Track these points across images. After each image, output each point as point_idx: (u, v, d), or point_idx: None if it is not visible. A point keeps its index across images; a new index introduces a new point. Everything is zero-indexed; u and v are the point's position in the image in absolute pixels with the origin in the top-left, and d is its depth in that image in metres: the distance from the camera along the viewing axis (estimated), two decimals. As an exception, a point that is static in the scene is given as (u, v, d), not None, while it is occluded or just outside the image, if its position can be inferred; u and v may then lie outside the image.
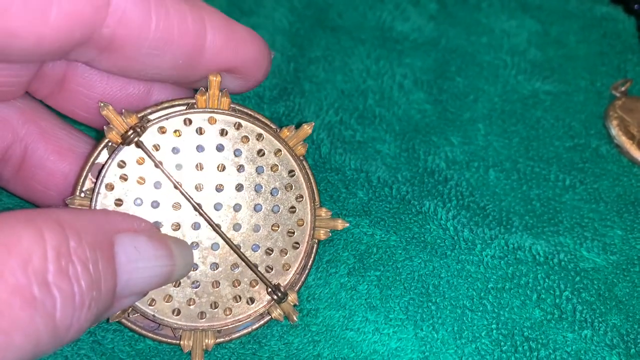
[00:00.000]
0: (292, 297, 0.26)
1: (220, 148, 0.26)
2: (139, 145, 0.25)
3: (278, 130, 0.26)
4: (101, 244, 0.20)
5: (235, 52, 0.24)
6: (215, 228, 0.25)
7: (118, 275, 0.21)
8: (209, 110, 0.26)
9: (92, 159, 0.25)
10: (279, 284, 0.26)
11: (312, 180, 0.27)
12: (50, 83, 0.25)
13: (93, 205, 0.25)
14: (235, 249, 0.25)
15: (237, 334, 0.26)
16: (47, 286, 0.18)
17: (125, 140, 0.24)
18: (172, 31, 0.22)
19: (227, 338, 0.26)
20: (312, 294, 0.28)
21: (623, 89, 0.36)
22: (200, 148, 0.25)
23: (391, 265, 0.28)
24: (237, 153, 0.26)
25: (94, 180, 0.25)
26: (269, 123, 0.26)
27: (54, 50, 0.21)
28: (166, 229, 0.25)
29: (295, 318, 0.26)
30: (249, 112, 0.26)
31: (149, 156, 0.25)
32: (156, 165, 0.25)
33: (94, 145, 0.26)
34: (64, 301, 0.18)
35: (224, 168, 0.26)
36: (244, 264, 0.26)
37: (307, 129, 0.26)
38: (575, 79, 0.37)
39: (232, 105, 0.26)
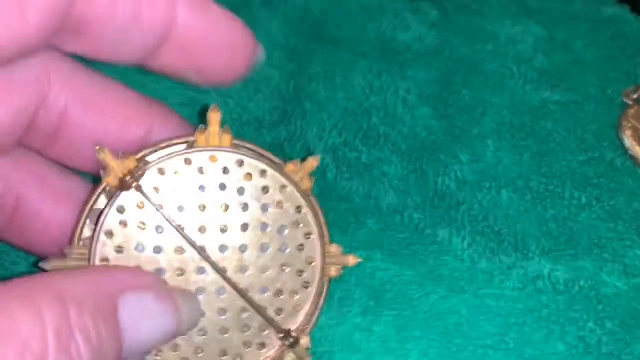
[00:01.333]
0: (304, 341, 0.25)
1: (223, 187, 0.24)
2: (139, 190, 0.23)
3: (283, 166, 0.25)
4: (104, 310, 0.19)
5: (208, 32, 0.23)
6: (221, 272, 0.24)
7: (123, 338, 0.20)
8: (210, 149, 0.24)
9: (89, 205, 0.24)
10: (289, 329, 0.25)
11: (320, 216, 0.26)
12: (45, 134, 0.24)
13: (93, 254, 0.23)
14: (243, 293, 0.24)
15: (249, 382, 0.25)
16: None
17: (124, 186, 0.23)
18: (140, 6, 0.21)
19: None
20: (325, 336, 0.27)
21: (635, 96, 0.35)
22: (202, 188, 0.24)
23: (407, 304, 0.27)
24: (240, 192, 0.25)
25: (93, 226, 0.24)
26: (272, 158, 0.25)
27: (37, 47, 0.20)
28: (169, 275, 0.24)
29: (308, 361, 0.25)
30: (252, 147, 0.25)
31: (149, 201, 0.23)
32: (157, 210, 0.24)
33: (91, 190, 0.25)
34: None
35: (227, 208, 0.24)
36: (252, 308, 0.24)
37: (313, 162, 0.25)
38: (584, 87, 0.36)
39: (234, 142, 0.25)
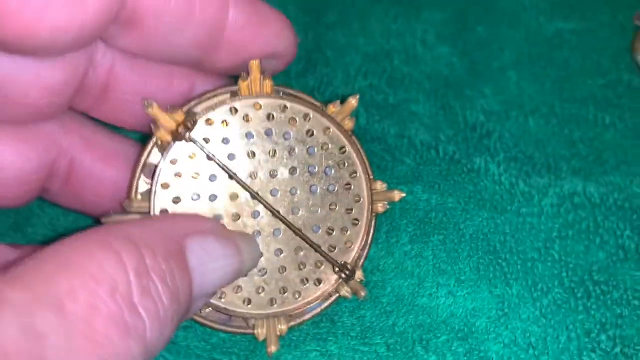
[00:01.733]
0: (358, 274, 0.26)
1: (269, 133, 0.25)
2: (191, 139, 0.24)
3: (324, 108, 0.26)
4: (174, 254, 0.20)
5: (257, 31, 0.24)
6: (276, 213, 0.25)
7: (192, 280, 0.21)
8: (253, 96, 0.25)
9: (143, 159, 0.25)
10: (345, 262, 0.26)
11: (363, 155, 0.26)
12: (93, 94, 0.24)
13: (152, 206, 0.24)
14: (297, 232, 0.25)
15: (308, 315, 0.26)
16: (135, 310, 0.18)
17: (177, 137, 0.24)
18: (193, 3, 0.22)
19: (299, 321, 0.26)
20: (376, 266, 0.27)
21: (646, 18, 0.36)
22: (249, 135, 0.25)
23: (453, 228, 0.28)
24: (286, 136, 0.25)
25: (148, 181, 0.25)
26: (313, 101, 0.26)
27: (94, 35, 0.21)
28: (226, 221, 0.25)
29: (363, 294, 0.26)
30: (293, 92, 0.26)
31: (202, 150, 0.24)
32: (209, 158, 0.24)
33: (139, 146, 0.25)
34: (152, 321, 0.18)
35: (275, 153, 0.25)
36: (307, 246, 0.25)
37: (352, 102, 0.26)
38: (595, 15, 0.36)
39: (275, 88, 0.25)
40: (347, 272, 0.25)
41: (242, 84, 0.25)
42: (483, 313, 0.26)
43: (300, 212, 0.25)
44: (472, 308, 0.26)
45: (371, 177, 0.26)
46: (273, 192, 0.25)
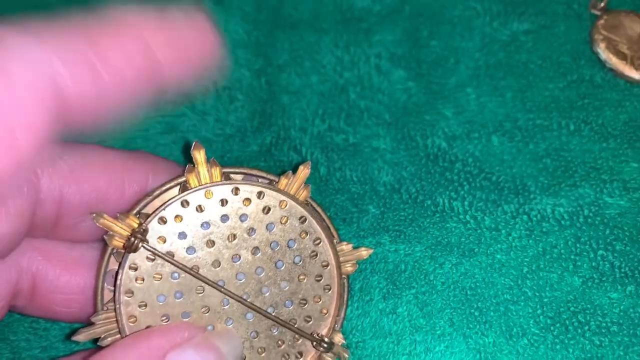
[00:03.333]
0: (338, 338, 0.26)
1: (224, 219, 0.25)
2: (145, 248, 0.24)
3: (276, 182, 0.26)
4: None
5: (186, 51, 0.21)
6: (242, 301, 0.25)
7: None
8: (202, 186, 0.25)
9: (102, 270, 0.25)
10: (321, 335, 0.26)
11: (325, 218, 0.26)
12: (45, 224, 0.24)
13: (119, 316, 0.24)
14: (266, 315, 0.25)
15: (295, 388, 0.26)
16: None
17: (130, 248, 0.24)
18: (125, 77, 0.20)
19: None
20: (354, 326, 0.28)
21: (602, 4, 0.35)
22: (205, 225, 0.25)
23: (424, 279, 0.28)
24: (242, 218, 0.25)
25: (112, 288, 0.25)
26: (266, 175, 0.26)
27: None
28: (195, 316, 0.25)
29: (346, 356, 0.26)
30: (243, 171, 0.26)
31: (157, 255, 0.24)
32: (167, 261, 0.24)
33: (100, 254, 0.25)
34: None
35: (234, 237, 0.25)
36: (280, 325, 0.25)
37: (305, 171, 0.26)
38: (551, 7, 0.35)
39: (223, 171, 0.25)
40: (325, 345, 0.26)
41: (190, 176, 0.25)
42: (462, 366, 0.26)
43: (269, 291, 0.25)
44: (451, 362, 0.26)
45: (336, 239, 0.26)
46: (239, 277, 0.25)
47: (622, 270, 0.27)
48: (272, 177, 0.26)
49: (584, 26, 0.35)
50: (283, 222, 0.25)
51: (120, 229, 0.24)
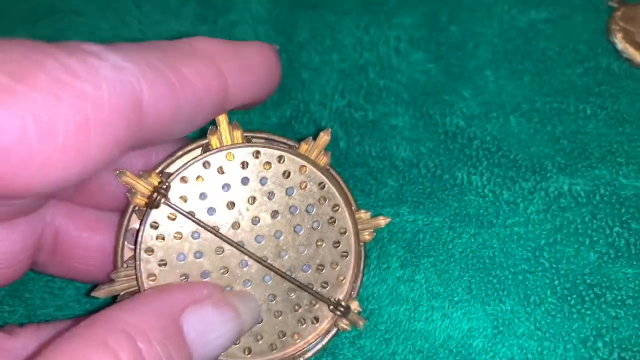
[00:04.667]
0: (354, 306, 0.26)
1: (245, 181, 0.25)
2: (167, 204, 0.24)
3: (297, 147, 0.26)
4: (170, 335, 0.20)
5: (252, 79, 0.24)
6: (262, 262, 0.25)
7: (192, 354, 0.21)
8: (224, 148, 0.25)
9: (124, 228, 0.25)
10: (338, 299, 0.26)
11: (343, 186, 0.26)
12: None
13: (139, 273, 0.24)
14: (285, 276, 0.25)
15: (310, 353, 0.26)
16: None
17: (152, 204, 0.24)
18: (199, 98, 0.22)
19: None
20: (371, 294, 0.28)
21: (619, -4, 0.35)
22: (226, 187, 0.25)
23: (442, 248, 0.28)
24: (263, 182, 0.25)
25: (132, 247, 0.25)
26: (286, 141, 0.26)
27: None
28: (215, 276, 0.25)
29: (362, 323, 0.26)
30: (264, 136, 0.26)
31: (180, 212, 0.24)
32: (189, 218, 0.24)
33: (122, 212, 0.25)
34: None
35: (254, 200, 0.25)
36: (298, 287, 0.25)
37: (325, 137, 0.26)
38: (568, -2, 0.36)
39: (245, 135, 0.25)
40: (342, 309, 0.26)
41: (212, 138, 0.25)
42: (479, 333, 0.26)
43: (287, 255, 0.25)
44: (468, 329, 0.26)
45: (354, 207, 0.26)
46: (258, 239, 0.25)
47: (638, 247, 0.27)
48: (292, 143, 0.26)
49: (600, 17, 0.35)
50: (302, 187, 0.25)
51: (143, 187, 0.24)
